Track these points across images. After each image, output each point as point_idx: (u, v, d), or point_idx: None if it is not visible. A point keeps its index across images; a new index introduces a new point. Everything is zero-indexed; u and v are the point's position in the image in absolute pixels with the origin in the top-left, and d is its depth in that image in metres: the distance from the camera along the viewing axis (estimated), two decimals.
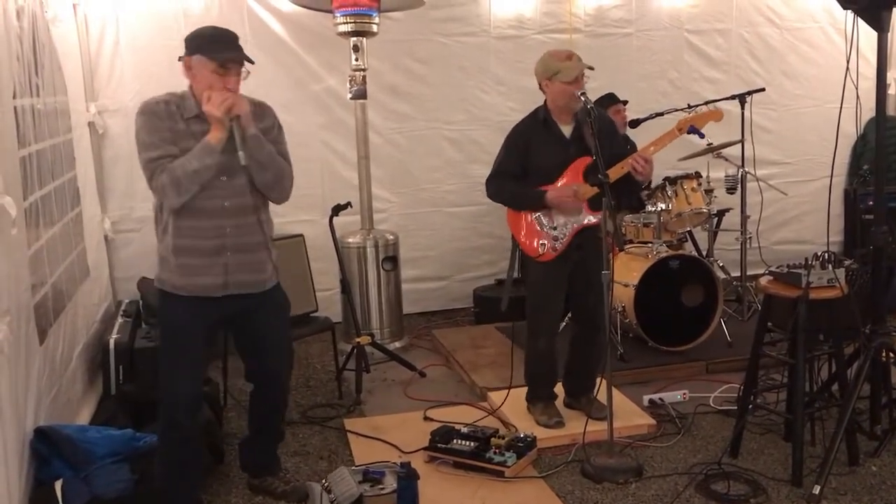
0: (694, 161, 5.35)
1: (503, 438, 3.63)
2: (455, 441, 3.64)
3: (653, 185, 5.18)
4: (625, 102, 5.64)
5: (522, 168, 3.83)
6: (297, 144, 5.62)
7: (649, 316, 4.77)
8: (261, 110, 3.11)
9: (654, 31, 6.33)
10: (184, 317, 3.03)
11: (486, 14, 6.01)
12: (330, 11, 5.10)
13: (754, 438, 3.75)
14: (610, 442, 3.55)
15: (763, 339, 3.58)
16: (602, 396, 3.70)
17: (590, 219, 3.78)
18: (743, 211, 5.53)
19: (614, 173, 3.61)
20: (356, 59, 5.15)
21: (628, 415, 3.98)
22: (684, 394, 4.25)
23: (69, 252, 4.08)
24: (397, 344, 5.38)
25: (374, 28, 5.12)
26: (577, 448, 3.68)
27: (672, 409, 4.11)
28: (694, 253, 5.49)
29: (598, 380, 3.91)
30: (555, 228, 3.80)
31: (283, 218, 5.62)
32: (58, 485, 2.95)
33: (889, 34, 3.40)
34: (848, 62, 3.23)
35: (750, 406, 3.67)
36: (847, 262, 3.48)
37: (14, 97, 3.17)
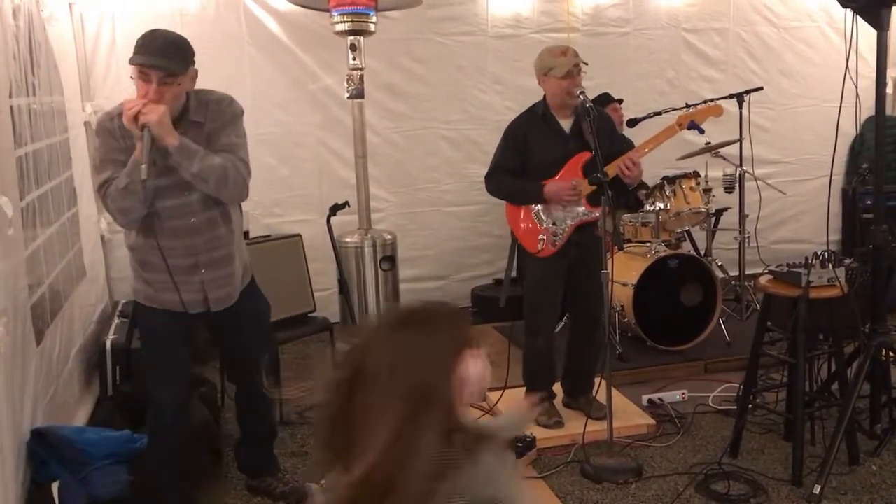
0: (692, 160, 5.35)
1: None
2: None
3: (651, 185, 5.18)
4: (620, 101, 5.63)
5: (521, 162, 3.81)
6: (295, 144, 5.71)
7: (648, 315, 4.76)
8: (217, 108, 2.92)
9: (651, 31, 6.32)
10: (160, 325, 3.00)
11: (483, 13, 5.99)
12: (327, 10, 5.08)
13: (754, 438, 3.75)
14: (609, 442, 3.54)
15: (763, 339, 3.58)
16: (601, 396, 3.70)
17: (589, 214, 3.77)
18: (741, 210, 5.53)
19: (612, 170, 3.61)
20: (353, 59, 5.13)
21: (627, 415, 3.97)
22: (683, 393, 4.24)
23: (66, 252, 4.06)
24: None
25: (372, 27, 5.10)
26: (577, 448, 3.67)
27: (671, 408, 4.10)
28: (692, 252, 5.48)
29: (597, 379, 3.90)
30: (554, 224, 3.79)
31: (281, 218, 5.64)
32: (55, 486, 2.93)
33: (888, 33, 3.40)
34: (847, 61, 3.23)
35: (750, 405, 3.66)
36: (847, 261, 3.47)
37: (10, 96, 3.15)
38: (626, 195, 4.93)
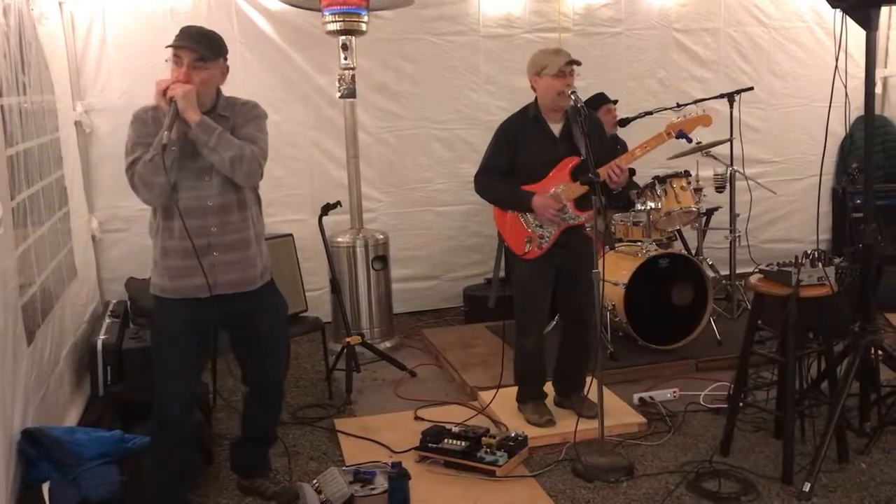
0: (683, 160, 5.36)
1: (494, 438, 3.63)
2: (446, 441, 3.63)
3: (642, 185, 5.19)
4: (615, 102, 5.65)
5: (510, 164, 3.82)
6: (287, 144, 5.70)
7: (639, 314, 4.77)
8: (243, 109, 3.09)
9: (642, 31, 6.35)
10: (176, 320, 3.03)
11: (475, 13, 6.00)
12: (319, 10, 5.09)
13: (745, 436, 3.76)
14: (601, 440, 3.56)
15: (753, 338, 3.59)
16: (592, 395, 3.71)
17: (576, 218, 3.78)
18: (732, 209, 5.55)
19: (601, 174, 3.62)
20: (345, 58, 5.14)
21: (619, 413, 3.98)
22: (674, 392, 4.26)
23: (57, 252, 4.05)
24: (387, 343, 5.37)
25: (364, 27, 5.11)
26: (569, 447, 3.68)
27: (662, 407, 4.11)
28: (683, 251, 5.50)
29: (588, 378, 3.91)
30: (540, 226, 3.79)
31: (273, 217, 5.62)
32: (45, 487, 2.91)
33: (876, 33, 3.42)
34: (836, 61, 3.24)
35: (740, 404, 3.67)
36: (836, 261, 3.49)
37: (1, 95, 3.14)
38: (613, 197, 4.96)
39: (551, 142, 3.79)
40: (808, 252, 3.44)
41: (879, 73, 6.81)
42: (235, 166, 2.95)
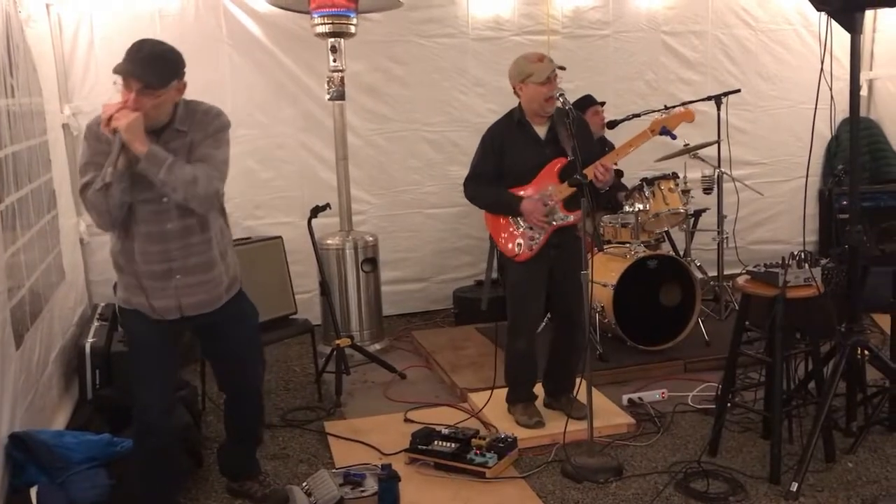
0: (671, 162, 5.39)
1: (484, 439, 3.63)
2: (436, 442, 3.63)
3: (630, 186, 5.21)
4: (602, 104, 5.67)
5: (498, 169, 3.84)
6: (275, 146, 5.70)
7: (628, 316, 4.79)
8: (203, 118, 2.92)
9: (630, 33, 6.37)
10: (144, 328, 2.98)
11: (464, 15, 6.01)
12: (307, 12, 5.09)
13: (733, 437, 3.78)
14: (590, 441, 3.57)
15: (741, 338, 3.61)
16: (581, 396, 3.72)
17: (565, 218, 3.80)
18: (719, 211, 5.58)
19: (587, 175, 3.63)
20: (334, 61, 5.14)
21: (608, 414, 4.00)
22: (663, 393, 4.28)
23: (45, 255, 4.03)
24: (377, 346, 5.37)
25: (352, 29, 5.11)
26: (558, 448, 3.69)
27: (651, 408, 4.13)
28: (671, 253, 5.53)
29: (578, 379, 3.92)
30: (531, 228, 3.81)
31: (262, 220, 5.62)
32: (33, 491, 2.90)
33: (861, 36, 3.45)
34: (822, 63, 3.27)
35: (728, 404, 3.70)
36: (823, 262, 3.51)
37: None
38: (601, 197, 4.97)
39: (538, 144, 3.81)
40: (795, 253, 3.47)
41: (864, 76, 6.86)
42: (189, 196, 2.81)
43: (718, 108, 5.54)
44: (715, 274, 5.73)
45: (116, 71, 2.72)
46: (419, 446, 3.63)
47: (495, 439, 3.64)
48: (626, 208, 5.14)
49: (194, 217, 2.91)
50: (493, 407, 4.09)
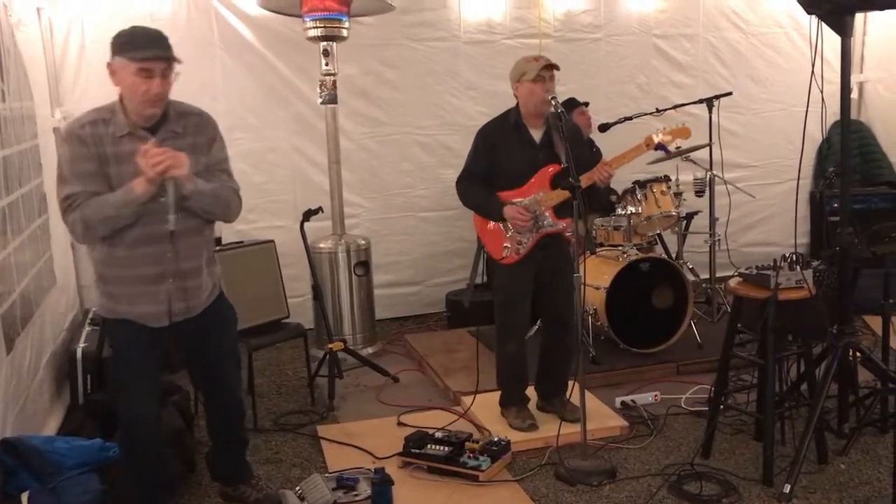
0: (663, 164, 5.40)
1: (477, 443, 3.63)
2: (429, 446, 3.63)
3: (622, 189, 5.22)
4: (586, 104, 5.68)
5: (490, 170, 3.84)
6: (268, 150, 5.69)
7: (620, 318, 4.80)
8: (198, 121, 2.95)
9: (622, 37, 6.40)
10: (129, 337, 2.95)
11: (456, 19, 6.02)
12: (299, 16, 5.09)
13: (726, 439, 3.79)
14: (583, 444, 3.57)
15: (733, 340, 3.62)
16: (575, 399, 3.72)
17: (554, 225, 3.80)
18: (711, 213, 5.59)
19: (583, 182, 3.64)
20: (326, 64, 5.14)
21: (601, 417, 4.00)
22: (656, 395, 4.28)
23: (37, 260, 4.01)
24: (370, 349, 5.36)
25: (345, 32, 5.11)
26: (551, 451, 3.69)
27: (644, 410, 4.13)
28: (664, 255, 5.54)
29: (571, 382, 3.93)
30: (519, 233, 3.81)
31: (254, 224, 5.62)
32: (25, 497, 2.89)
33: (851, 39, 3.47)
34: (813, 66, 3.28)
35: (721, 406, 3.70)
36: (814, 264, 3.53)
37: None
38: (593, 200, 4.98)
39: (532, 148, 3.81)
40: (787, 255, 3.48)
41: (855, 79, 6.90)
42: (226, 215, 2.97)
43: (710, 111, 5.55)
44: (707, 276, 5.75)
45: (139, 58, 2.68)
46: (412, 450, 3.63)
47: (488, 443, 3.64)
48: (619, 211, 5.15)
49: (192, 220, 2.90)
50: (486, 410, 4.08)
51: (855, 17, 3.40)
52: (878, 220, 4.27)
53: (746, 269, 3.61)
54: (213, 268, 3.08)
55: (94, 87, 5.22)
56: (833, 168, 5.55)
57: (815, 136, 4.05)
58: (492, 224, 3.86)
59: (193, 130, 2.90)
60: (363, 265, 5.35)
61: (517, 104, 3.85)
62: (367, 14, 5.55)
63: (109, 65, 2.77)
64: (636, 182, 5.19)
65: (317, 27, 5.01)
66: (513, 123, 3.83)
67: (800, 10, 3.45)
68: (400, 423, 4.13)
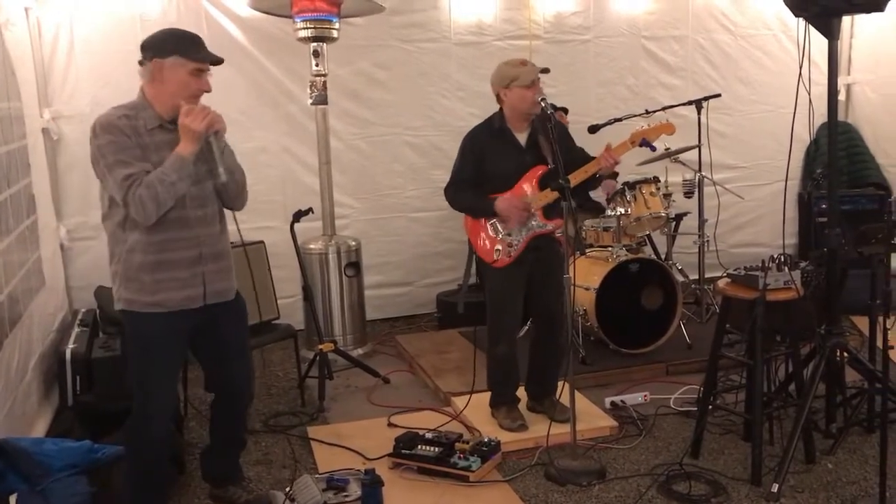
0: (652, 166, 5.42)
1: (467, 443, 3.64)
2: (419, 447, 3.63)
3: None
4: (564, 110, 5.69)
5: (478, 175, 3.85)
6: (258, 150, 5.67)
7: (610, 319, 4.81)
8: None
9: (611, 38, 6.41)
10: (160, 333, 2.96)
11: (446, 20, 6.02)
12: (290, 17, 5.08)
13: (714, 439, 3.81)
14: (573, 444, 3.58)
15: (722, 341, 3.64)
16: (564, 399, 3.73)
17: (544, 226, 3.81)
18: (700, 214, 5.61)
19: (577, 178, 3.65)
20: (316, 65, 5.13)
21: (590, 417, 4.01)
22: (645, 395, 4.30)
23: (25, 261, 4.00)
24: (360, 350, 5.36)
25: (335, 33, 5.11)
26: (541, 451, 3.70)
27: (633, 410, 4.15)
28: (653, 256, 5.56)
29: (560, 382, 3.94)
30: (510, 235, 3.82)
31: (244, 224, 5.51)
32: (13, 499, 2.88)
33: (839, 41, 3.49)
34: (801, 68, 3.31)
35: (710, 407, 3.72)
36: (802, 265, 3.55)
37: None
38: (585, 200, 5.01)
39: (518, 151, 3.82)
40: (775, 256, 3.50)
41: (842, 81, 6.94)
42: (241, 194, 3.10)
43: (699, 113, 5.58)
44: (696, 277, 5.77)
45: (201, 60, 2.91)
46: (403, 451, 3.63)
47: (478, 443, 3.65)
48: (608, 212, 5.17)
49: (218, 204, 3.06)
50: (477, 411, 4.09)
51: (842, 19, 3.42)
52: (865, 221, 4.30)
53: (735, 269, 3.64)
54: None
55: (83, 87, 5.20)
56: (821, 169, 5.61)
57: (803, 137, 4.07)
58: (482, 227, 3.87)
59: None
60: (354, 266, 5.35)
61: (500, 108, 3.85)
62: (357, 15, 5.55)
63: (155, 62, 2.86)
64: (626, 183, 5.21)
65: (307, 28, 5.01)
66: (497, 128, 3.83)
67: (788, 13, 3.47)
68: (390, 424, 4.13)
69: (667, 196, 5.28)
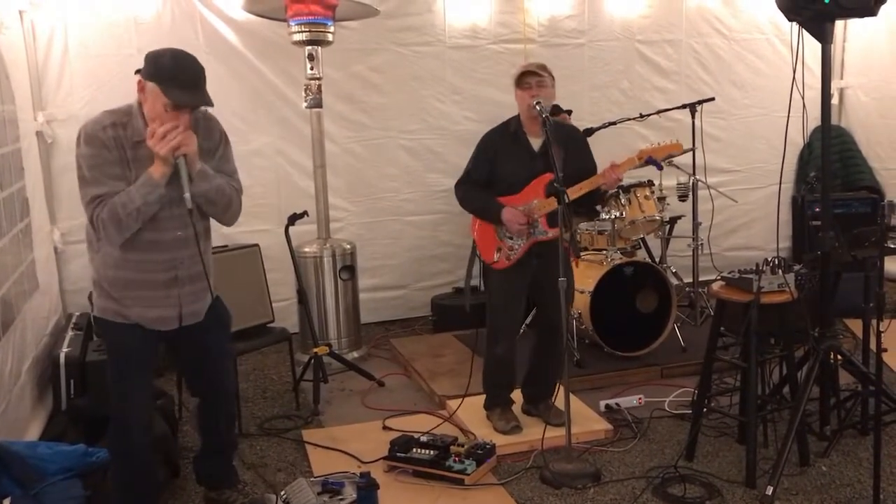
0: (646, 169, 5.39)
1: (462, 446, 3.64)
2: (414, 450, 3.63)
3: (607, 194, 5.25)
4: (569, 112, 5.70)
5: (489, 176, 3.87)
6: (253, 154, 5.67)
7: (605, 322, 4.82)
8: (207, 125, 2.99)
9: (605, 42, 6.43)
10: (131, 342, 2.94)
11: (440, 24, 6.03)
12: (284, 20, 5.08)
13: (709, 441, 3.82)
14: (568, 447, 3.58)
15: (716, 344, 3.65)
16: (559, 402, 3.73)
17: (545, 234, 3.82)
18: (694, 218, 5.63)
19: (574, 193, 3.66)
20: (311, 68, 5.13)
21: (585, 420, 4.02)
22: (640, 398, 4.31)
23: (18, 264, 3.99)
24: (355, 354, 5.36)
25: (330, 37, 5.11)
26: (536, 454, 3.70)
27: (628, 413, 4.15)
28: (647, 259, 5.57)
29: (556, 386, 3.94)
30: (511, 238, 3.83)
31: (239, 228, 5.50)
32: (7, 503, 2.87)
33: (832, 46, 3.51)
34: (794, 72, 3.32)
35: (704, 409, 3.73)
36: (796, 268, 3.56)
37: None
38: (589, 207, 5.01)
39: (529, 157, 3.83)
40: (769, 259, 3.51)
41: (835, 85, 6.97)
42: (225, 214, 2.99)
43: (693, 117, 5.60)
44: (690, 280, 5.78)
45: (177, 101, 2.69)
46: (398, 454, 3.63)
47: (474, 446, 3.65)
48: (603, 215, 5.18)
49: (201, 224, 2.95)
50: (472, 414, 4.09)
51: (835, 23, 3.43)
52: (858, 224, 4.32)
53: (729, 272, 3.64)
54: (212, 270, 3.10)
55: (78, 90, 5.19)
56: (814, 173, 5.61)
57: (797, 141, 4.11)
58: (486, 227, 3.88)
59: (203, 134, 2.92)
60: (348, 269, 5.35)
61: (518, 112, 3.88)
62: (352, 19, 5.55)
63: (140, 81, 2.77)
64: (620, 187, 5.21)
65: (302, 31, 5.01)
66: (513, 132, 3.86)
67: (781, 17, 3.48)
68: (385, 428, 4.12)
69: (661, 199, 5.30)
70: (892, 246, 3.64)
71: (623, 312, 4.91)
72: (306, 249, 5.28)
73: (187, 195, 2.72)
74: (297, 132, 5.72)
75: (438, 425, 4.08)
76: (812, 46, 3.41)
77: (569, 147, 3.80)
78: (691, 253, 5.70)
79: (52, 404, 4.12)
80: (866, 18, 3.46)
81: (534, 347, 4.08)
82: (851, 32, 6.95)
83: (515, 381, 4.07)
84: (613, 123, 5.56)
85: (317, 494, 3.29)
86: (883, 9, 3.33)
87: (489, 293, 3.96)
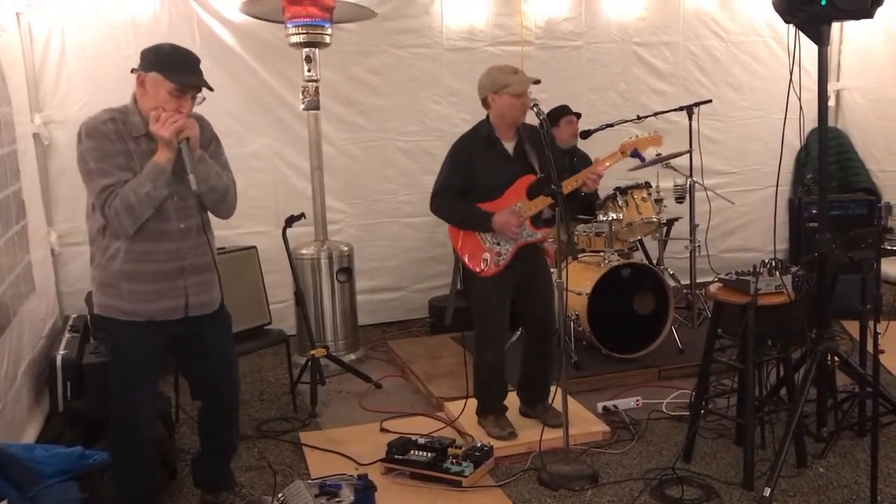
0: (644, 171, 5.44)
1: (460, 448, 3.64)
2: (412, 452, 3.63)
3: (604, 196, 5.25)
4: (578, 115, 5.70)
5: (466, 184, 3.83)
6: (250, 156, 5.67)
7: (602, 324, 4.82)
8: (200, 123, 3.01)
9: (603, 44, 6.44)
10: (137, 339, 2.95)
11: (438, 26, 6.04)
12: (282, 22, 5.08)
13: (706, 443, 3.82)
14: (566, 449, 3.58)
15: (713, 345, 3.65)
16: (557, 404, 3.73)
17: (533, 235, 3.81)
18: (692, 220, 5.63)
19: (568, 185, 3.66)
20: (309, 70, 5.13)
21: (583, 422, 4.02)
22: (637, 400, 4.30)
23: (14, 266, 3.98)
24: (353, 356, 5.36)
25: (327, 39, 5.11)
26: (534, 456, 3.70)
27: (626, 415, 4.15)
28: (644, 261, 5.57)
29: (553, 387, 3.94)
30: (497, 244, 3.81)
31: (236, 230, 5.58)
32: None
33: (828, 48, 3.52)
34: (791, 75, 3.32)
35: (702, 411, 3.73)
36: (793, 269, 3.56)
37: None
38: (576, 205, 5.01)
39: (506, 160, 3.82)
40: (766, 261, 3.51)
41: (832, 87, 6.99)
42: (223, 204, 3.03)
43: (690, 118, 5.61)
44: (688, 282, 5.78)
45: (182, 83, 2.80)
46: (395, 456, 3.63)
47: (471, 448, 3.64)
48: (600, 217, 5.18)
49: (204, 214, 3.02)
50: (470, 416, 4.09)
51: (832, 25, 3.44)
52: (855, 226, 4.31)
53: (726, 274, 3.65)
54: (217, 266, 3.13)
55: (75, 92, 5.19)
56: (811, 175, 5.63)
57: (794, 143, 4.11)
58: (469, 236, 3.85)
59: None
60: (346, 271, 5.35)
61: (487, 116, 3.85)
62: (349, 21, 5.55)
63: (139, 75, 2.84)
64: (617, 188, 5.24)
65: (299, 33, 5.01)
66: (485, 136, 3.82)
67: (778, 19, 3.49)
68: (383, 430, 4.12)
69: (658, 201, 5.30)
70: (889, 248, 3.65)
71: (620, 314, 4.91)
72: (303, 251, 5.28)
73: (191, 176, 2.78)
74: (294, 134, 5.72)
75: (440, 429, 4.07)
76: (809, 49, 3.41)
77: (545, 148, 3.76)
78: (688, 255, 5.70)
79: (49, 407, 4.11)
80: (863, 21, 3.46)
81: (525, 350, 4.08)
82: (848, 34, 6.97)
83: (507, 387, 4.05)
84: (611, 125, 5.56)
85: (314, 497, 3.29)
86: (879, 11, 3.34)
87: (474, 302, 3.92)
